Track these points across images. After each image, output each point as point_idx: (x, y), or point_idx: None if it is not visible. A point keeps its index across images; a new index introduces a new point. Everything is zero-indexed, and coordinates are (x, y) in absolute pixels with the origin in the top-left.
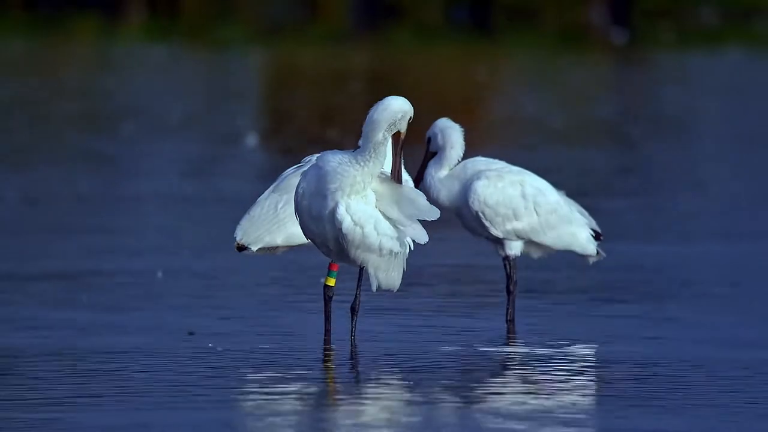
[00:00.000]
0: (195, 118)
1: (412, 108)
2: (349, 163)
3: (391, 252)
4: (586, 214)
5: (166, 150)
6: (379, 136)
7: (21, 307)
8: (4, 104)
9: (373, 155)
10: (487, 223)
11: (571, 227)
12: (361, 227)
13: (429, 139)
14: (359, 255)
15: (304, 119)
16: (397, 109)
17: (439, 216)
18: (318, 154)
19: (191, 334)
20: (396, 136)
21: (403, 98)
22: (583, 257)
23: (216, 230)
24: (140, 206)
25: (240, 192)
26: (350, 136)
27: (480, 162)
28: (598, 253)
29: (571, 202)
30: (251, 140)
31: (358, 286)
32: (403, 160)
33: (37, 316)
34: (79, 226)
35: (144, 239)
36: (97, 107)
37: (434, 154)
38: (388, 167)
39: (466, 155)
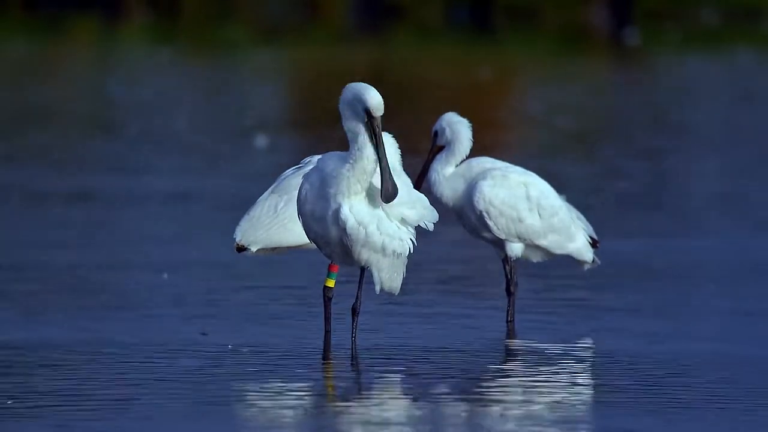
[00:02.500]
0: (201, 118)
1: (367, 92)
2: (341, 165)
3: (394, 252)
4: (584, 220)
5: (172, 150)
6: (350, 125)
7: (20, 306)
8: (5, 104)
9: (357, 151)
10: (490, 223)
11: (570, 232)
12: (365, 227)
13: (435, 133)
14: (363, 255)
15: (309, 119)
16: (347, 94)
17: (438, 219)
18: (318, 156)
19: (204, 334)
20: (372, 129)
21: (359, 83)
22: (580, 263)
23: (222, 231)
24: (146, 207)
25: (249, 192)
26: None
27: (485, 161)
28: (593, 260)
29: (571, 207)
30: (261, 141)
31: (360, 287)
32: (389, 168)
33: (38, 316)
34: (84, 226)
35: (149, 240)
36: (100, 107)
37: (441, 148)
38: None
39: (470, 155)
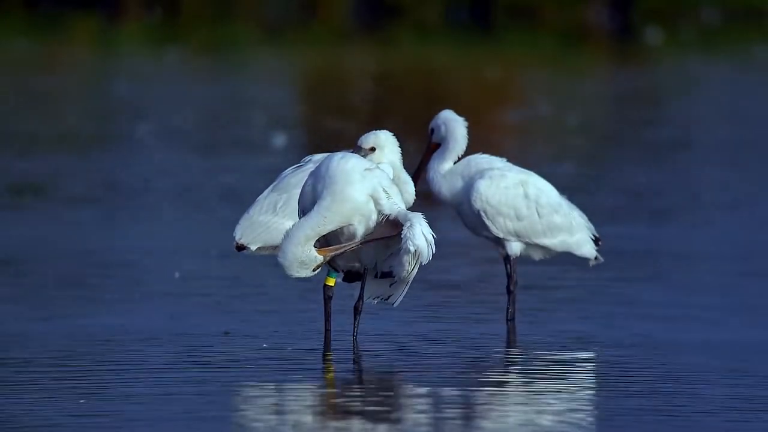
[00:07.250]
0: (208, 118)
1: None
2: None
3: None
4: (586, 218)
5: (180, 150)
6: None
7: (23, 308)
8: (6, 103)
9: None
10: (488, 222)
11: (571, 229)
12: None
13: (432, 131)
14: (415, 272)
15: (313, 118)
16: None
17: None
18: (319, 155)
19: (227, 333)
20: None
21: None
22: (583, 260)
23: (226, 230)
24: (152, 206)
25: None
26: (360, 134)
27: (483, 159)
28: (596, 258)
29: (573, 206)
30: (278, 140)
31: (362, 286)
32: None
33: (44, 317)
34: (90, 227)
35: (160, 240)
36: (103, 107)
37: (438, 145)
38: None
39: (468, 153)
